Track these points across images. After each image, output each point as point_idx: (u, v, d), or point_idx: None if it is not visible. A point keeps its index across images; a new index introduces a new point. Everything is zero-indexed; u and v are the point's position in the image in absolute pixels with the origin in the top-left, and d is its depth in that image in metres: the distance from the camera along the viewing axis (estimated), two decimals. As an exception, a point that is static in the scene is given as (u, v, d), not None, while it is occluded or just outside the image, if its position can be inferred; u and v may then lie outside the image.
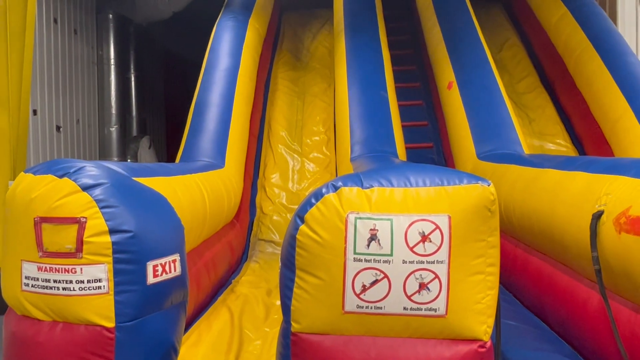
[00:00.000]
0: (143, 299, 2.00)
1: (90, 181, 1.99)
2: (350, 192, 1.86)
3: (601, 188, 2.50)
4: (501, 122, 5.10)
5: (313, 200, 1.88)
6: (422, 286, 1.82)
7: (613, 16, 7.24)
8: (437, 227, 1.80)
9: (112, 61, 9.93)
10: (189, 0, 7.80)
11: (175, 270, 2.16)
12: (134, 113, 10.89)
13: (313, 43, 7.97)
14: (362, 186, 1.88)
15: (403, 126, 6.47)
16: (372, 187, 1.87)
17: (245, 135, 5.68)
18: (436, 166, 2.04)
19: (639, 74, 5.63)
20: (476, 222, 1.84)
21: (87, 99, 9.36)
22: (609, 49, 5.94)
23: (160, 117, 12.89)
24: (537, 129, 6.40)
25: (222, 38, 6.50)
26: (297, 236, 1.87)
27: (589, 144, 5.99)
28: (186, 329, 3.12)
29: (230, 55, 6.21)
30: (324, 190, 1.90)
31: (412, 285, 1.82)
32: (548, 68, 7.05)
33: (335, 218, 1.83)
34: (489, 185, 1.87)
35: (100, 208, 1.95)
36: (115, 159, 9.97)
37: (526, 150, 4.90)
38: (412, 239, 1.80)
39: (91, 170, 2.05)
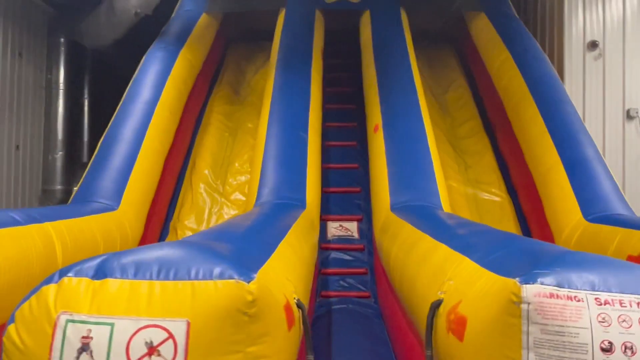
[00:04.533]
0: None
1: None
2: (76, 283, 1.48)
3: (449, 269, 2.14)
4: (421, 171, 4.77)
5: (30, 293, 1.50)
6: (149, 412, 1.43)
7: (560, 64, 7.04)
8: (171, 336, 1.43)
9: (62, 85, 9.58)
10: (128, 27, 7.48)
11: None
12: (85, 138, 10.48)
13: (255, 77, 7.68)
14: (94, 275, 1.50)
15: (334, 168, 6.17)
16: (106, 277, 1.49)
17: (154, 173, 5.30)
18: (205, 247, 1.66)
19: (574, 124, 5.38)
20: (226, 329, 1.46)
21: (31, 124, 8.95)
22: (546, 96, 5.70)
23: (116, 143, 12.45)
24: (473, 176, 6.10)
25: (147, 69, 6.19)
26: (4, 338, 1.49)
27: (523, 194, 5.70)
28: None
29: (152, 87, 5.88)
30: (48, 279, 1.52)
31: (136, 411, 1.43)
32: (491, 112, 6.80)
33: (43, 319, 1.45)
34: (247, 282, 1.50)
35: None
36: (59, 187, 9.56)
37: (444, 204, 4.56)
38: (136, 351, 1.42)
39: None
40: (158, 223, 5.39)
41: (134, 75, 6.18)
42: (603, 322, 1.43)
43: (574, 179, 4.81)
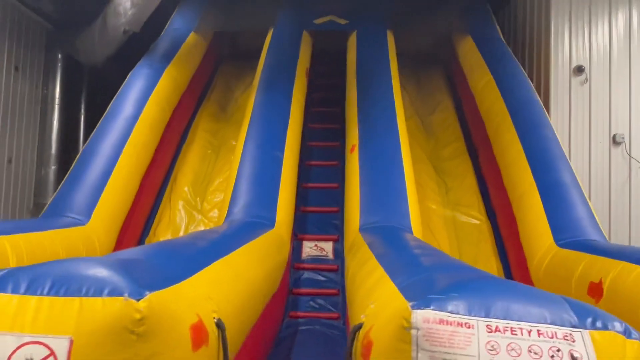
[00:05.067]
0: None
1: None
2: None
3: (375, 292, 2.12)
4: (393, 192, 4.75)
5: None
6: None
7: (547, 89, 7.03)
8: (52, 353, 1.41)
9: (57, 100, 9.67)
10: (118, 44, 7.57)
11: None
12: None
13: (243, 95, 7.72)
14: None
15: (314, 188, 6.16)
16: (3, 292, 1.49)
17: (129, 188, 5.31)
18: (109, 263, 1.65)
19: (551, 149, 5.34)
20: (112, 347, 1.44)
21: (24, 137, 9.01)
22: (525, 119, 5.69)
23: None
24: (453, 198, 6.06)
25: (131, 86, 6.25)
26: None
27: (501, 218, 5.64)
28: None
29: (133, 104, 5.93)
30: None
31: None
32: (475, 134, 6.79)
33: None
34: (137, 300, 1.48)
35: None
36: (51, 200, 9.59)
37: (415, 225, 4.52)
38: (16, 367, 1.41)
39: None
40: (132, 239, 5.38)
41: (118, 92, 6.24)
42: (492, 350, 1.40)
43: (547, 204, 4.76)
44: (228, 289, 2.34)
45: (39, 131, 9.55)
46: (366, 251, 3.28)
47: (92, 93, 10.39)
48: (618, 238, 6.79)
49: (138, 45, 7.82)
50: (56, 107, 9.74)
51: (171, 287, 1.73)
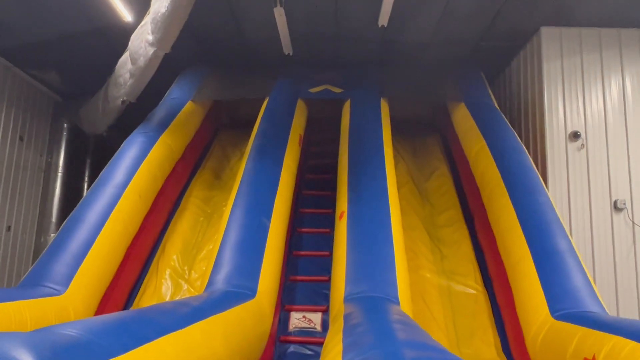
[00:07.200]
0: None
1: None
2: None
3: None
4: (380, 260, 4.58)
5: None
6: None
7: (543, 154, 6.95)
8: None
9: (61, 168, 9.78)
10: (117, 114, 7.69)
11: None
12: (82, 221, 10.50)
13: (238, 162, 7.72)
14: None
15: (304, 256, 6.01)
16: None
17: (113, 257, 5.19)
18: (21, 338, 1.52)
19: (546, 215, 5.18)
20: None
21: (25, 205, 9.04)
22: (519, 186, 5.57)
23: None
24: (448, 267, 5.84)
25: (124, 153, 6.28)
26: None
27: (498, 286, 5.41)
28: None
29: (124, 171, 5.92)
30: None
31: None
32: (471, 201, 6.66)
33: None
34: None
35: None
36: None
37: (403, 296, 4.31)
38: None
39: None
40: (114, 309, 5.20)
41: (110, 160, 6.25)
42: None
43: (542, 273, 4.55)
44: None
45: (41, 199, 9.58)
46: (340, 324, 3.10)
47: (97, 162, 10.52)
48: (627, 309, 6.46)
49: (144, 115, 7.97)
50: (59, 175, 9.83)
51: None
